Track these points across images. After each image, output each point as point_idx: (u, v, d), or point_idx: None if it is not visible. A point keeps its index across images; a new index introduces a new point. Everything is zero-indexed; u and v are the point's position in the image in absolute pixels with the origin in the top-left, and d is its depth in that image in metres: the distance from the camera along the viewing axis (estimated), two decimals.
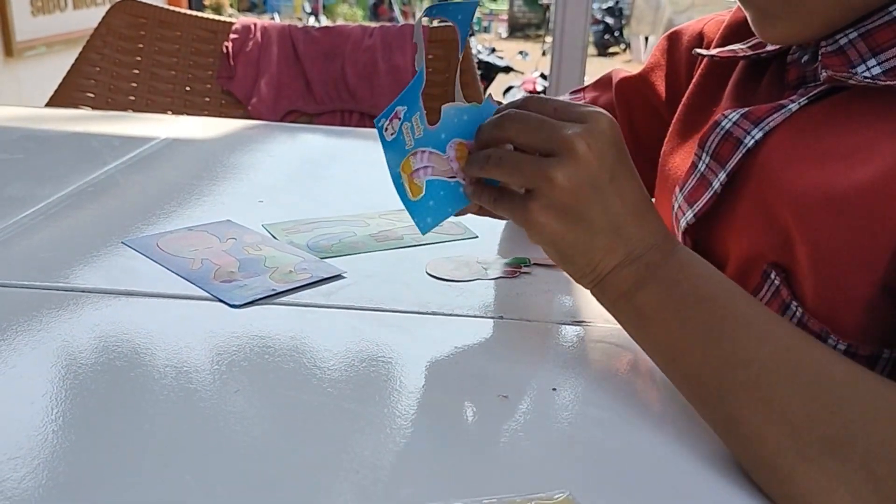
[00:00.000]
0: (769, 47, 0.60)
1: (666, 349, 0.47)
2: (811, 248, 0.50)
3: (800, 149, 0.53)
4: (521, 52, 9.23)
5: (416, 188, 0.55)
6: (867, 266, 0.47)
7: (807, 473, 0.39)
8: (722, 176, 0.57)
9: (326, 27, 1.52)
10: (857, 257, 0.48)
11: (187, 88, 1.53)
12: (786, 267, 0.52)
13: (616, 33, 16.48)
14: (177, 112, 1.52)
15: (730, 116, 0.57)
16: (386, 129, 0.53)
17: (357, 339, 0.56)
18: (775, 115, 0.55)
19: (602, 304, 0.51)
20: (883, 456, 0.38)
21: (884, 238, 0.46)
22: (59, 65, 1.58)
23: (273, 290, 0.62)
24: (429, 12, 0.56)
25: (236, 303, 0.60)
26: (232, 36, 1.49)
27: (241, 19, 1.50)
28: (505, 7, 22.96)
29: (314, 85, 1.50)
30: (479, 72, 1.53)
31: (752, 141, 0.55)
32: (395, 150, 0.54)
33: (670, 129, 0.71)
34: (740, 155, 0.56)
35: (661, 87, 0.76)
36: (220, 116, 1.42)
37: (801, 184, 0.51)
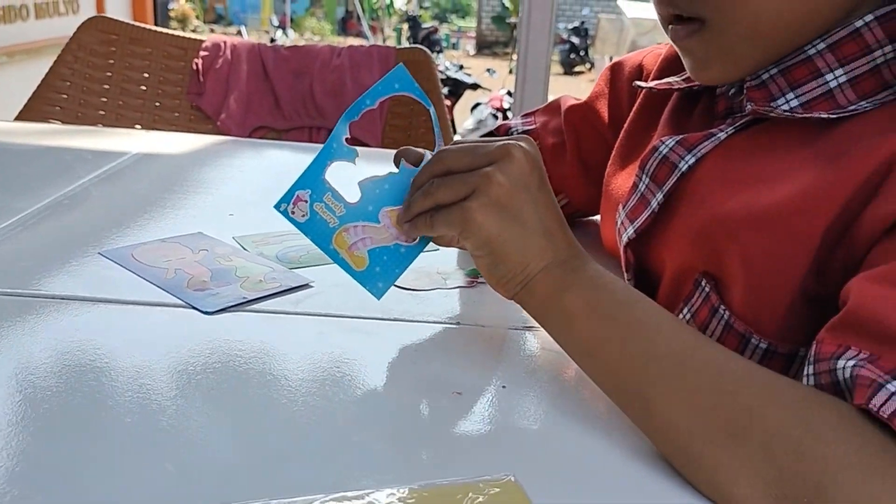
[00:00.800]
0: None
1: (589, 347, 0.52)
2: (738, 259, 0.56)
3: (728, 173, 0.59)
4: (488, 70, 9.33)
5: (358, 259, 0.60)
6: (788, 275, 0.53)
7: (714, 456, 0.44)
8: (659, 196, 0.63)
9: (296, 46, 1.57)
10: (779, 267, 0.53)
11: (157, 104, 1.56)
12: (715, 276, 0.58)
13: (581, 53, 16.70)
14: (146, 127, 1.55)
15: (666, 143, 0.63)
16: (293, 213, 0.58)
17: (322, 344, 0.60)
18: (706, 143, 0.61)
19: (527, 307, 0.56)
20: (778, 437, 0.43)
21: (802, 250, 0.52)
22: (21, 75, 1.60)
23: (244, 298, 0.66)
24: (360, 105, 0.57)
25: (209, 310, 0.64)
26: (202, 53, 1.53)
27: (211, 37, 1.54)
28: (473, 25, 23.15)
29: (283, 102, 1.54)
30: (446, 89, 1.58)
31: (686, 165, 0.61)
32: (315, 231, 0.58)
33: (613, 152, 0.77)
34: (675, 178, 0.62)
35: (604, 113, 0.82)
36: (189, 131, 1.45)
37: (730, 204, 0.57)
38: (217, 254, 0.76)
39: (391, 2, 22.64)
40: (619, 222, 0.68)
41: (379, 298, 0.61)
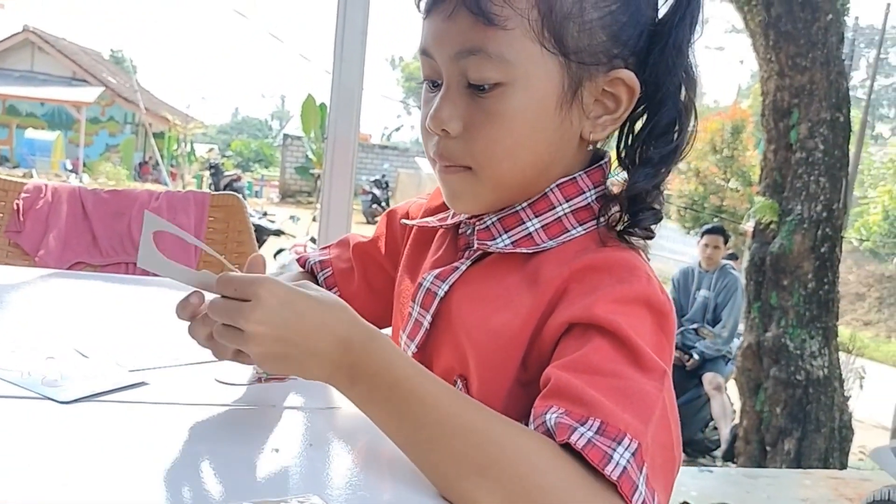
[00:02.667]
0: (449, 220, 0.91)
1: (377, 421, 0.70)
2: (475, 361, 0.79)
3: (469, 295, 0.83)
4: (292, 217, 9.60)
5: None
6: (506, 369, 0.77)
7: (470, 490, 0.63)
8: (428, 317, 0.86)
9: (115, 190, 1.71)
10: (500, 366, 0.78)
11: None
12: (465, 376, 0.81)
13: (383, 203, 17.47)
14: None
15: (427, 278, 0.86)
16: None
17: (157, 423, 0.75)
18: (453, 274, 0.85)
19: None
20: (514, 476, 0.62)
21: (514, 351, 0.77)
22: None
23: (94, 391, 0.80)
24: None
25: (65, 400, 0.77)
26: (23, 195, 1.63)
27: (33, 181, 1.65)
28: (277, 174, 23.57)
29: (101, 240, 1.66)
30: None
31: (442, 292, 0.85)
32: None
33: (397, 282, 1.00)
34: (436, 303, 0.85)
35: (383, 249, 1.06)
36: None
37: (472, 319, 0.81)
38: (64, 358, 0.89)
39: (192, 149, 22.73)
40: (402, 345, 0.90)
41: None
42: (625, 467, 0.61)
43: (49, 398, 0.77)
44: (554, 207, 0.81)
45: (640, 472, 0.62)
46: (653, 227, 0.80)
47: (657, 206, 0.80)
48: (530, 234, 0.81)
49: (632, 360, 0.68)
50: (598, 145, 0.84)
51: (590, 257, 0.77)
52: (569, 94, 0.78)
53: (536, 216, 0.82)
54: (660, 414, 0.66)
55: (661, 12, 0.80)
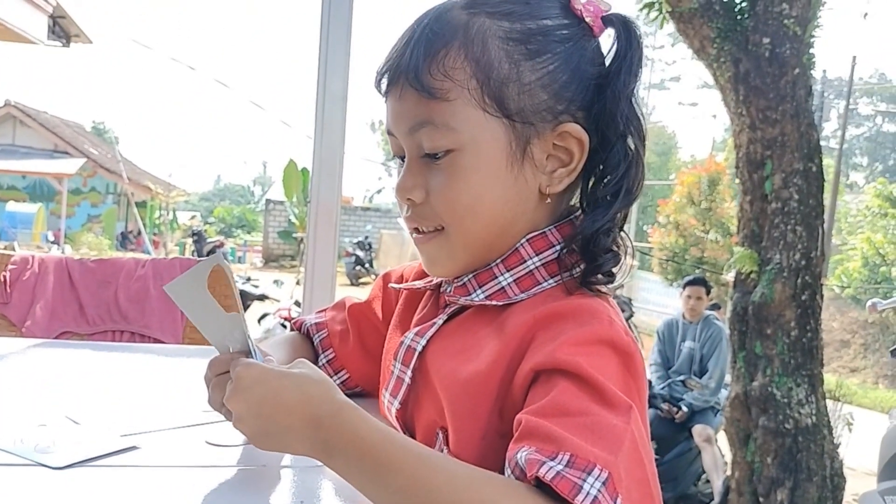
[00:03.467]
0: (433, 282, 0.95)
1: (358, 488, 0.69)
2: (449, 412, 0.81)
3: (445, 348, 0.86)
4: (275, 281, 9.59)
5: None
6: (480, 418, 0.79)
7: None
8: (409, 372, 0.88)
9: (101, 259, 1.73)
10: (471, 416, 0.79)
11: None
12: (445, 427, 0.82)
13: (367, 265, 17.46)
14: None
15: (408, 335, 0.90)
16: None
17: (150, 486, 0.76)
18: (431, 329, 0.88)
19: None
20: None
21: (487, 400, 0.78)
22: None
23: (86, 456, 0.81)
24: None
25: (58, 465, 0.78)
26: (10, 266, 1.65)
27: (20, 252, 1.66)
28: (259, 239, 23.59)
29: (87, 309, 1.67)
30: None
31: (420, 347, 0.88)
32: None
33: (385, 342, 1.02)
34: (415, 358, 0.88)
35: (378, 311, 1.09)
36: None
37: (445, 371, 0.84)
38: (56, 425, 0.89)
39: (174, 217, 22.78)
40: (385, 402, 0.93)
41: None
42: (595, 496, 0.62)
43: (42, 464, 0.78)
44: (525, 261, 0.85)
45: (614, 503, 0.63)
46: (614, 270, 0.83)
47: (615, 249, 0.83)
48: (503, 287, 0.85)
49: (597, 398, 0.69)
50: (571, 202, 0.88)
51: (554, 305, 0.80)
52: (517, 153, 0.83)
53: (508, 270, 0.85)
54: (629, 447, 0.67)
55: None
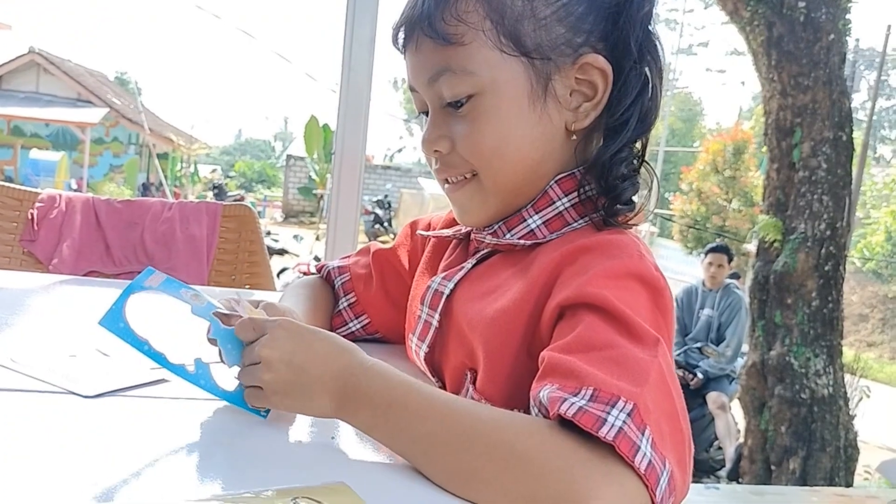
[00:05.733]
0: (463, 230, 0.95)
1: (383, 442, 0.69)
2: (478, 352, 0.81)
3: (472, 291, 0.86)
4: (295, 236, 9.63)
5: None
6: (504, 359, 0.78)
7: (475, 491, 0.62)
8: (437, 316, 0.88)
9: (128, 200, 1.73)
10: (499, 354, 0.79)
11: None
12: (475, 368, 0.82)
13: (386, 223, 17.50)
14: None
15: (435, 279, 0.90)
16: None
17: (182, 417, 0.77)
18: (458, 273, 0.88)
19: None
20: (508, 466, 0.61)
21: (515, 338, 0.78)
22: None
23: (116, 386, 0.81)
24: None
25: (89, 394, 0.78)
26: (38, 204, 1.65)
27: (47, 190, 1.67)
28: (280, 194, 23.65)
29: (114, 249, 1.68)
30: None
31: (448, 290, 0.88)
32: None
33: (412, 288, 1.02)
34: (443, 301, 0.88)
35: (404, 259, 1.09)
36: None
37: (473, 312, 0.83)
38: (93, 349, 0.90)
39: (196, 169, 22.85)
40: (413, 347, 0.92)
41: (265, 417, 0.76)
42: (620, 428, 0.59)
43: (73, 392, 0.78)
44: (553, 202, 0.84)
45: (642, 434, 0.60)
46: (635, 199, 0.82)
47: (632, 177, 0.82)
48: (532, 230, 0.85)
49: (623, 331, 0.68)
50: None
51: (581, 241, 0.79)
52: (539, 91, 0.82)
53: (537, 213, 0.85)
54: (657, 378, 0.65)
55: None
